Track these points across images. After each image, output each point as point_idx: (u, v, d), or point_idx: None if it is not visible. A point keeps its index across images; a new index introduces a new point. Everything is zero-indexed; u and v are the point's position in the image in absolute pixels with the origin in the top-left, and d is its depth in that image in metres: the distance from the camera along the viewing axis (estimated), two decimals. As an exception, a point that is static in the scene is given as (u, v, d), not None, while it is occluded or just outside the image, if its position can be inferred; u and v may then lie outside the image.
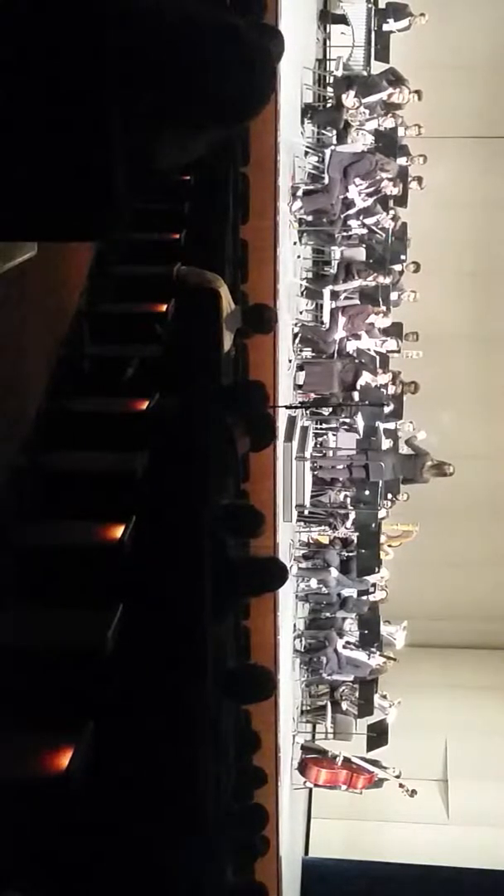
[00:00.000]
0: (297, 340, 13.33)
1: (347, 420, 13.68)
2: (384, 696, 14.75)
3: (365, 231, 13.99)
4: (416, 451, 14.29)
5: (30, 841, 2.91)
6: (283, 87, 10.80)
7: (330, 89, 15.08)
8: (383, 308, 14.10)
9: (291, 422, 12.14)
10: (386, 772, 14.14)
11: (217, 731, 4.89)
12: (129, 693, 3.59)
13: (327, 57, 16.11)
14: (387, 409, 13.90)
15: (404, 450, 14.54)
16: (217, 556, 4.61)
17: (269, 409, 6.58)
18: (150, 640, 3.85)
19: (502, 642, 19.49)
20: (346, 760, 13.90)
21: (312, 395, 13.66)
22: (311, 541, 14.22)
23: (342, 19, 15.83)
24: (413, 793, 14.23)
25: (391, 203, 14.23)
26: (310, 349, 13.71)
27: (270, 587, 6.52)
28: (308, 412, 13.37)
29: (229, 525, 5.17)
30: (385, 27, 15.55)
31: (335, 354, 13.71)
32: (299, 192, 13.00)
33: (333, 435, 14.53)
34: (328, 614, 14.38)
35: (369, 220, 13.78)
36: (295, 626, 13.97)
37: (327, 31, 16.26)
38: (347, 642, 14.08)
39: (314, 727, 15.22)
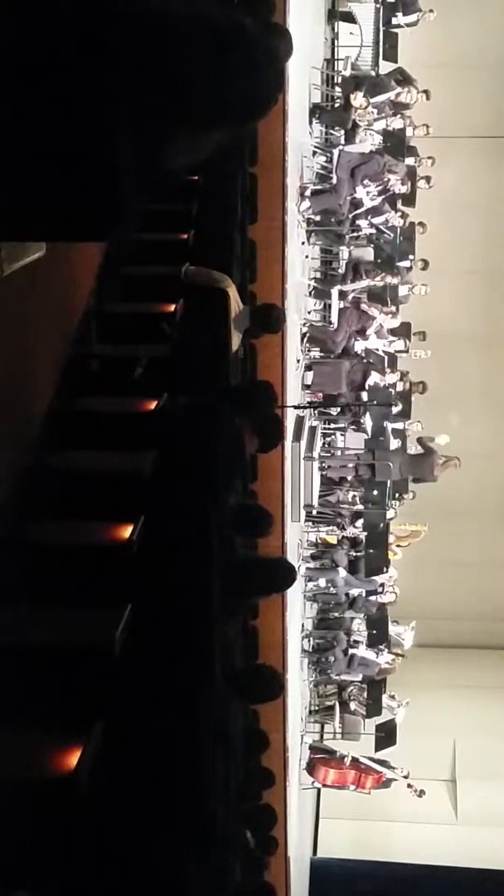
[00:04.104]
0: (306, 340, 13.33)
1: (356, 420, 13.68)
2: (392, 697, 14.74)
3: (373, 231, 13.98)
4: (426, 449, 14.27)
5: (37, 841, 2.91)
6: (291, 87, 10.78)
7: (338, 89, 15.06)
8: (392, 308, 14.09)
9: (300, 422, 12.14)
10: (394, 772, 14.12)
11: (225, 732, 4.88)
12: (137, 693, 3.59)
13: (335, 56, 16.09)
14: (395, 409, 13.90)
15: (412, 449, 14.52)
16: (225, 556, 4.61)
17: (277, 409, 6.58)
18: (158, 640, 3.85)
19: (512, 642, 19.48)
20: (355, 760, 13.89)
21: (321, 395, 13.65)
22: (319, 541, 14.22)
23: (350, 18, 15.80)
24: (421, 793, 14.21)
25: (399, 202, 14.22)
26: (318, 349, 13.71)
27: (278, 588, 6.51)
28: (316, 412, 13.37)
29: (237, 525, 5.17)
30: (393, 21, 15.51)
31: (344, 353, 13.73)
32: (307, 192, 12.99)
33: (342, 435, 14.52)
34: (336, 614, 14.38)
35: (377, 220, 13.77)
36: (303, 625, 13.97)
37: (335, 30, 16.23)
38: (356, 642, 14.08)
39: (322, 727, 15.22)
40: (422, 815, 15.81)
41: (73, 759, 2.91)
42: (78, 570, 4.01)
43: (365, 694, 14.36)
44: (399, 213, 14.04)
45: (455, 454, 14.41)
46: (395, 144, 14.23)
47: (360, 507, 13.85)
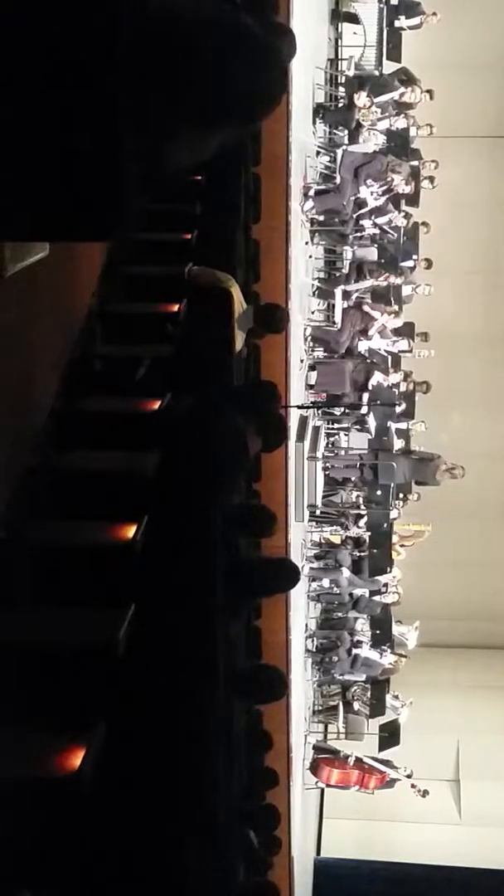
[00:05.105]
0: (309, 340, 13.33)
1: (360, 420, 13.68)
2: (396, 696, 14.74)
3: (377, 231, 13.98)
4: (425, 455, 14.27)
5: (41, 841, 2.91)
6: (294, 87, 10.79)
7: (342, 89, 15.06)
8: (395, 308, 14.09)
9: (303, 422, 12.14)
10: (398, 772, 14.12)
11: (229, 732, 4.89)
12: (141, 693, 3.59)
13: (339, 56, 16.10)
14: (398, 409, 13.89)
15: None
16: (229, 556, 4.61)
17: (280, 409, 6.57)
18: (161, 640, 3.85)
19: (515, 642, 19.47)
20: (358, 760, 13.89)
21: (324, 395, 13.65)
22: (322, 541, 14.22)
23: (354, 19, 15.81)
24: (425, 793, 14.21)
25: (403, 202, 14.22)
26: (322, 349, 13.71)
27: (282, 588, 6.52)
28: (320, 412, 13.37)
29: (241, 525, 5.17)
30: (396, 24, 15.51)
31: (347, 353, 13.73)
32: (311, 192, 12.99)
33: (345, 435, 14.51)
34: (340, 614, 14.37)
35: (381, 220, 13.76)
36: (307, 626, 13.97)
37: (339, 30, 16.24)
38: (359, 642, 14.08)
39: (326, 727, 15.22)
40: (425, 815, 15.80)
41: (77, 759, 2.90)
42: (81, 570, 4.01)
43: (368, 694, 14.36)
44: (402, 213, 14.03)
45: (458, 454, 14.41)
46: (399, 144, 14.22)
47: (363, 508, 13.85)
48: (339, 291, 13.53)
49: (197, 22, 2.46)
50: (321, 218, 13.26)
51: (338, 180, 13.28)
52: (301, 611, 13.17)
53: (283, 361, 10.58)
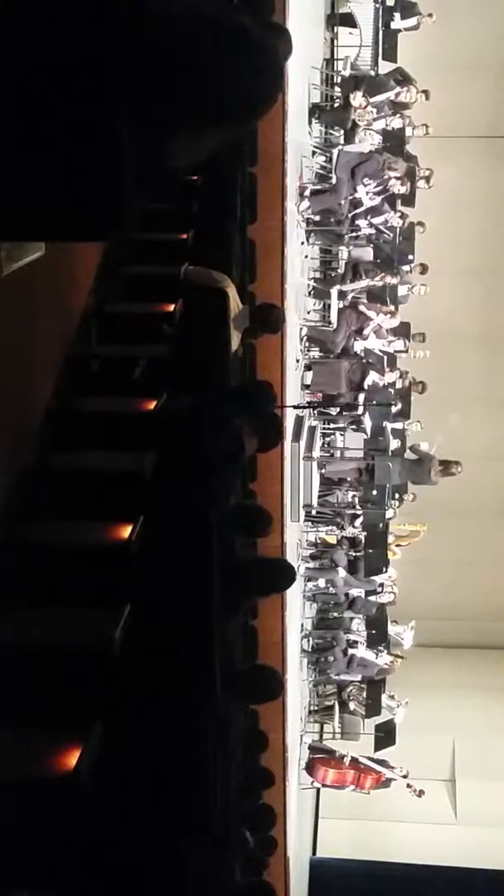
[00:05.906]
0: (305, 340, 13.33)
1: (356, 420, 13.67)
2: (392, 696, 14.74)
3: (373, 231, 13.97)
4: (421, 455, 14.25)
5: (37, 840, 2.91)
6: (290, 87, 10.78)
7: (338, 89, 15.05)
8: (391, 308, 14.08)
9: (299, 422, 12.13)
10: (393, 772, 14.12)
11: (225, 732, 4.88)
12: (137, 693, 3.59)
13: (335, 57, 16.07)
14: (394, 409, 13.89)
15: (410, 454, 14.51)
16: (225, 556, 4.61)
17: (276, 409, 6.58)
18: (157, 640, 3.85)
19: (511, 642, 19.49)
20: (354, 760, 13.89)
21: (320, 395, 13.65)
22: (318, 541, 14.22)
23: (350, 20, 15.79)
24: (421, 793, 14.21)
25: (399, 202, 14.21)
26: (317, 349, 13.71)
27: (278, 589, 6.51)
28: (316, 412, 13.37)
29: (237, 525, 5.17)
30: (392, 24, 15.49)
31: (343, 353, 13.73)
32: (307, 192, 12.98)
33: (341, 435, 14.51)
34: (336, 614, 14.38)
35: (377, 220, 13.76)
36: (302, 626, 13.98)
37: (335, 30, 16.22)
38: (355, 642, 14.08)
39: (322, 727, 15.21)
40: (421, 814, 15.81)
41: (73, 758, 2.90)
42: (78, 569, 4.01)
43: (364, 694, 14.36)
44: (398, 214, 14.03)
45: (454, 454, 14.39)
46: (395, 144, 14.23)
47: (359, 508, 13.85)
48: (334, 291, 13.52)
49: (195, 22, 2.47)
50: (317, 218, 13.26)
51: (334, 180, 13.28)
52: (297, 611, 13.17)
53: (279, 361, 10.57)
